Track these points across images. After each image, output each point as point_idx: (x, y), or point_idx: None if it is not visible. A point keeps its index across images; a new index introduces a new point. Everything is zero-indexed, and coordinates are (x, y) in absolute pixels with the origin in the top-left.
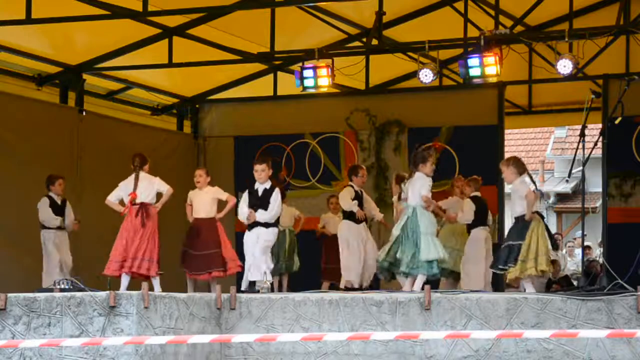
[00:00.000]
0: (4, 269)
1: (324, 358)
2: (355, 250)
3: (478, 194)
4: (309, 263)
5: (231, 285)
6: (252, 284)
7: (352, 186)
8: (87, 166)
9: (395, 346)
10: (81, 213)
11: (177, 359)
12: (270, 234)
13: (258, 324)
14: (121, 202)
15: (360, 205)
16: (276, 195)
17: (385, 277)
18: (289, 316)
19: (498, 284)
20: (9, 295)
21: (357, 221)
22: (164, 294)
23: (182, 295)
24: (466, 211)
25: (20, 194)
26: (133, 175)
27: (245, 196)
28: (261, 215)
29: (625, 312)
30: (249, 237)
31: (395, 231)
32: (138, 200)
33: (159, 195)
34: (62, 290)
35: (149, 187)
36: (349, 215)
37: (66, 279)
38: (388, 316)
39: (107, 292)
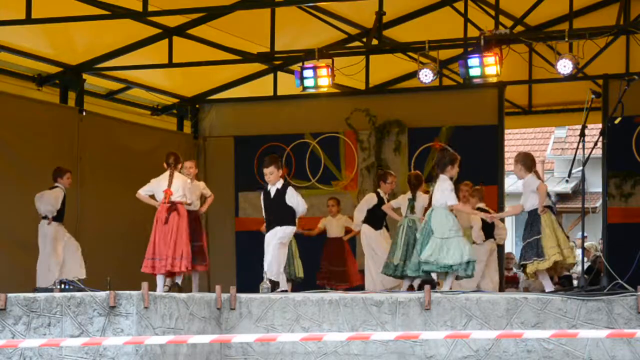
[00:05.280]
0: (4, 269)
1: (324, 358)
2: (380, 258)
3: (483, 205)
4: (308, 263)
5: (231, 286)
6: (273, 284)
7: (377, 192)
8: (87, 166)
9: (395, 346)
10: (81, 212)
11: (177, 359)
12: (286, 231)
13: (258, 324)
14: (152, 198)
15: (384, 212)
16: (291, 193)
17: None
18: (289, 316)
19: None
20: (9, 295)
21: (377, 226)
22: (164, 294)
23: (182, 295)
24: (476, 230)
25: (20, 194)
26: (167, 173)
27: (261, 197)
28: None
29: (625, 312)
30: (267, 237)
31: (417, 234)
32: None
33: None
34: (62, 290)
35: (182, 186)
36: (368, 220)
37: (67, 279)
38: (388, 316)
39: (107, 292)
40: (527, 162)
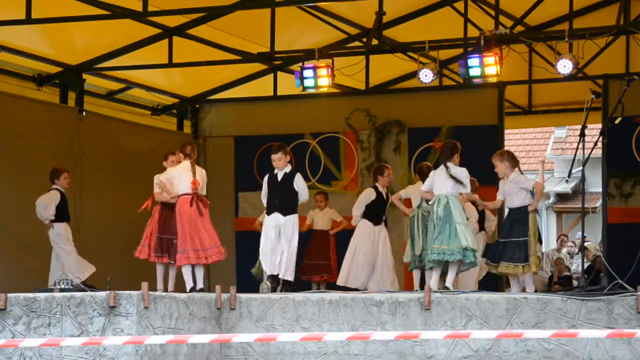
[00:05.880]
0: (4, 269)
1: (324, 358)
2: (363, 252)
3: (476, 196)
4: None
5: (231, 286)
6: (285, 282)
7: (375, 187)
8: (87, 166)
9: (395, 346)
10: (81, 212)
11: (177, 359)
12: (291, 225)
13: (258, 324)
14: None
15: (383, 207)
16: (299, 177)
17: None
18: (289, 316)
19: (498, 283)
20: (9, 295)
21: (376, 222)
22: (163, 294)
23: (182, 295)
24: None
25: (20, 194)
26: (187, 164)
27: (265, 180)
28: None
29: (625, 312)
30: (269, 224)
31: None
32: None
33: None
34: (62, 290)
35: (203, 178)
36: (367, 215)
37: (66, 279)
38: (388, 316)
39: (107, 292)
40: (513, 160)
